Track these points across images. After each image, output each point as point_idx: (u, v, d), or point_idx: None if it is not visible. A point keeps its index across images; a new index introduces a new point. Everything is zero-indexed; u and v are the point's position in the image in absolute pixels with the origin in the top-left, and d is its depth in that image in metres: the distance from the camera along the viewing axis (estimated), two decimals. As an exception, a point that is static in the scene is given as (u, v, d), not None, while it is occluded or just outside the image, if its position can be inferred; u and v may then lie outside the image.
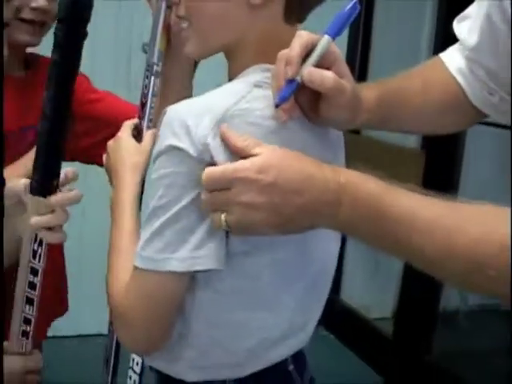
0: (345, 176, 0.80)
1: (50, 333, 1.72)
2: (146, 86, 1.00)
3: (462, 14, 1.08)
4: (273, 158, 0.79)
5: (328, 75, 0.84)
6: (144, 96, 1.00)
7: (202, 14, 0.94)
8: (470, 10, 1.07)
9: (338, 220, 0.80)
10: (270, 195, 0.79)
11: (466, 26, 1.05)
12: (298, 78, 0.84)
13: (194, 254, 0.85)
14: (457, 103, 1.06)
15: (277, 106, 0.84)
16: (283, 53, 0.86)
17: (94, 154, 1.71)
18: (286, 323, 0.99)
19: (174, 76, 1.07)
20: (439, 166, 2.94)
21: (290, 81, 0.84)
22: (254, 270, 0.92)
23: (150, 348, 0.94)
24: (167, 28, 1.03)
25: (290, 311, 0.99)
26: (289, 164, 0.80)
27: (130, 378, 1.13)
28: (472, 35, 1.02)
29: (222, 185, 0.80)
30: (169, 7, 1.02)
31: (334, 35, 0.85)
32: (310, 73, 0.84)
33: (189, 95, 1.09)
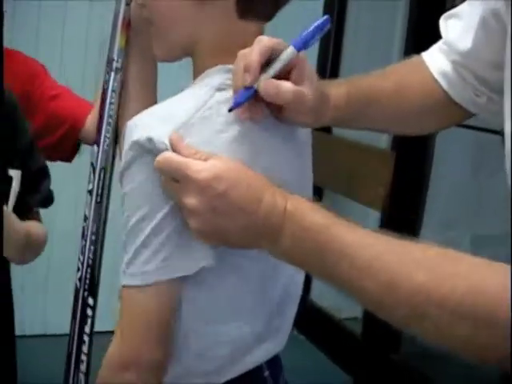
0: (292, 204, 0.79)
1: (21, 332, 1.71)
2: (106, 82, 1.00)
3: (450, 12, 1.05)
4: (229, 170, 0.78)
5: (285, 89, 0.83)
6: (104, 92, 1.00)
7: (157, 13, 0.95)
8: (461, 9, 1.03)
9: (277, 247, 0.79)
10: (214, 205, 0.78)
11: (455, 27, 1.02)
12: (255, 86, 0.82)
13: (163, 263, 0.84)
14: (437, 105, 1.04)
15: (230, 110, 0.83)
16: (242, 53, 0.84)
17: (53, 153, 1.69)
18: (262, 328, 0.98)
19: (135, 74, 1.06)
20: (409, 166, 2.96)
21: (248, 87, 0.83)
22: (229, 281, 0.91)
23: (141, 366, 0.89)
24: (127, 25, 1.02)
25: (268, 315, 0.98)
26: (242, 181, 0.78)
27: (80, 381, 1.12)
28: (464, 40, 0.99)
29: (173, 175, 0.80)
30: (128, 4, 1.02)
31: (300, 48, 0.83)
32: (266, 86, 0.82)
33: (152, 93, 1.09)
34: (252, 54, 0.82)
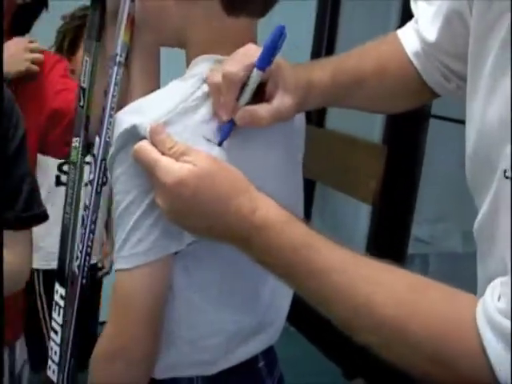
0: (261, 216, 0.77)
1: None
2: (109, 76, 1.02)
3: None
4: (197, 174, 0.78)
5: (259, 115, 0.85)
6: (107, 85, 1.02)
7: (145, 13, 0.97)
8: None
9: (245, 252, 0.80)
10: (178, 208, 0.79)
11: (425, 13, 1.02)
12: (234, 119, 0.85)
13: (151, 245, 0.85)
14: (410, 84, 1.05)
15: (219, 144, 0.85)
16: (216, 84, 0.85)
17: (58, 150, 1.71)
18: (257, 319, 0.99)
19: (139, 67, 1.08)
20: (401, 160, 2.98)
21: (228, 122, 0.85)
22: (218, 270, 0.92)
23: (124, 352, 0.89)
24: (131, 21, 1.04)
25: (263, 307, 0.99)
26: (208, 187, 0.78)
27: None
28: (429, 31, 1.00)
29: (144, 168, 0.81)
30: (132, 1, 1.04)
31: (264, 67, 0.84)
32: (241, 117, 0.85)
33: (155, 87, 1.10)
34: (226, 92, 0.84)
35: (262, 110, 0.86)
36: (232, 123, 0.85)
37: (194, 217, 0.79)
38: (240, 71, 0.84)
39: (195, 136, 0.84)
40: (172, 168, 0.78)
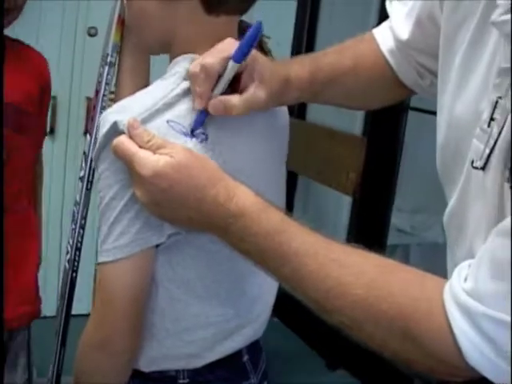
0: (237, 205, 0.80)
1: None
2: (100, 75, 1.03)
3: None
4: (172, 166, 0.80)
5: (232, 103, 0.88)
6: (98, 85, 1.03)
7: (131, 14, 0.99)
8: None
9: (224, 240, 0.82)
10: (156, 200, 0.81)
11: (399, 13, 1.04)
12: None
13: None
14: (386, 82, 1.07)
15: (192, 132, 0.87)
16: (195, 73, 0.88)
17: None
18: (242, 313, 1.01)
19: (129, 67, 1.10)
20: (380, 152, 3.00)
21: (201, 110, 0.88)
22: (200, 263, 0.94)
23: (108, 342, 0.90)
24: (122, 22, 1.06)
25: (249, 301, 1.01)
26: (184, 177, 0.80)
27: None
28: (402, 30, 1.03)
29: (122, 161, 0.83)
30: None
31: (240, 60, 0.87)
32: (214, 106, 0.87)
33: (144, 86, 1.12)
34: (202, 82, 0.87)
35: (234, 99, 0.89)
36: (205, 113, 0.88)
37: (172, 207, 0.81)
38: (216, 63, 0.87)
39: (173, 130, 0.87)
40: (149, 160, 0.80)
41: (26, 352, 1.68)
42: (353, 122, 3.20)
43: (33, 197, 1.72)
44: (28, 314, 1.63)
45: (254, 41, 0.86)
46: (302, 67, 1.00)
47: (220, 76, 0.88)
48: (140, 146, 0.82)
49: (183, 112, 0.88)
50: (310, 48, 3.50)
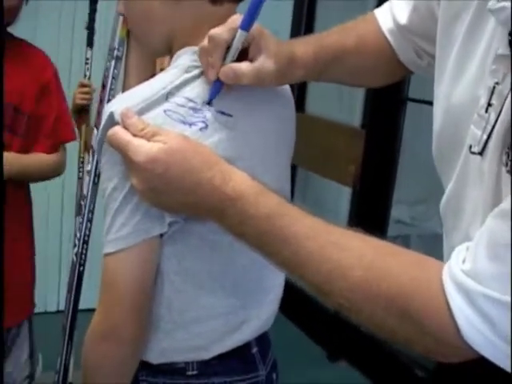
0: (234, 188, 0.80)
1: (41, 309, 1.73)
2: (107, 69, 1.04)
3: None
4: (167, 151, 0.80)
5: (241, 71, 0.89)
6: (105, 78, 1.04)
7: (134, 16, 0.99)
8: None
9: (221, 224, 0.82)
10: (152, 185, 0.81)
11: None
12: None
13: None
14: (387, 60, 1.09)
15: (208, 103, 0.89)
16: (210, 38, 0.88)
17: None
18: (250, 305, 1.01)
19: (135, 62, 1.11)
20: (379, 144, 3.01)
21: (215, 81, 0.89)
22: (202, 253, 0.94)
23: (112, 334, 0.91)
24: (125, 18, 1.06)
25: (256, 293, 1.02)
26: (179, 162, 0.80)
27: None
28: (402, 15, 1.05)
29: (117, 151, 0.84)
30: None
31: (247, 28, 0.88)
32: (225, 73, 0.88)
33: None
34: (214, 51, 0.88)
35: (245, 66, 0.89)
36: (219, 83, 0.89)
37: (168, 193, 0.82)
38: (224, 32, 0.88)
39: (170, 119, 0.87)
40: (143, 147, 0.81)
41: (29, 347, 1.69)
42: (351, 114, 3.21)
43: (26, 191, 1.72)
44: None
45: (259, 7, 0.87)
46: (306, 46, 1.01)
47: (229, 47, 0.89)
48: (134, 135, 0.82)
49: (183, 101, 0.89)
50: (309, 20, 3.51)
